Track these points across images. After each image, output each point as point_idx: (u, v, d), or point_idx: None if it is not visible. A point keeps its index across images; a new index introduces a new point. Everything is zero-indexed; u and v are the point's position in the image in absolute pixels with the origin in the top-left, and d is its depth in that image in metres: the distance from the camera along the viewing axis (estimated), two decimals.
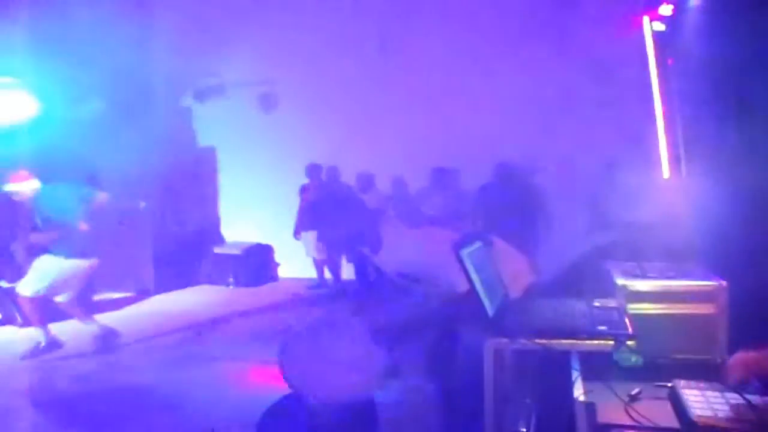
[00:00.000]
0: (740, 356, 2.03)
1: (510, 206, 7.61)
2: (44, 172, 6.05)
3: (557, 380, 2.26)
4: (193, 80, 9.70)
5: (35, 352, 5.73)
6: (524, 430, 2.39)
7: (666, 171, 4.28)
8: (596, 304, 2.45)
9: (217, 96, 9.63)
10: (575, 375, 2.16)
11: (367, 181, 8.54)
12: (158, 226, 9.02)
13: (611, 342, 2.06)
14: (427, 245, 2.68)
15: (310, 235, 8.83)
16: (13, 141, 7.08)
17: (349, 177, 8.88)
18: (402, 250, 2.92)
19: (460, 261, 2.00)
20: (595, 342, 2.07)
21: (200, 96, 9.73)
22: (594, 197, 7.28)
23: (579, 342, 2.08)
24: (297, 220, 8.99)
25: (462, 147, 8.11)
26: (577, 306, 2.41)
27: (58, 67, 7.27)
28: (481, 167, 8.03)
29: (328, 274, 9.03)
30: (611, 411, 1.91)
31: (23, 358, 5.68)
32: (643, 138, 5.17)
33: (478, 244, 2.34)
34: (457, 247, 2.04)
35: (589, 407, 1.95)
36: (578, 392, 2.04)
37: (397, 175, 8.68)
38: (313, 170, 9.00)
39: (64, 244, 5.61)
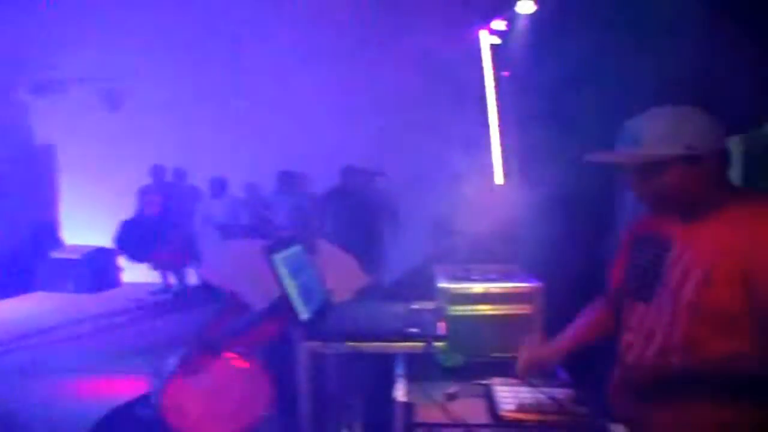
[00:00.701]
0: (523, 353, 2.14)
1: (356, 210, 7.70)
2: None
3: (384, 382, 2.27)
4: (30, 72, 9.09)
5: None
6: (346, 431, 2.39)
7: (499, 178, 4.46)
8: (414, 306, 2.50)
9: (57, 91, 9.07)
10: (397, 376, 2.18)
11: (219, 186, 8.33)
12: None
13: (421, 343, 2.10)
14: (242, 256, 2.61)
15: None
16: None
17: (197, 180, 8.66)
18: (217, 260, 2.85)
19: (272, 265, 1.97)
20: (405, 344, 2.11)
21: (38, 90, 9.12)
22: (437, 204, 7.48)
23: (388, 344, 2.11)
24: None
25: (313, 150, 8.12)
26: (395, 309, 2.45)
27: None
28: (331, 171, 8.09)
29: (172, 279, 8.73)
30: (429, 411, 1.95)
31: None
32: (486, 146, 5.38)
33: (296, 248, 2.32)
34: (270, 251, 2.00)
35: (407, 407, 1.97)
36: (398, 393, 2.06)
37: (251, 180, 8.58)
38: (157, 171, 8.70)
39: None
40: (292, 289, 2.04)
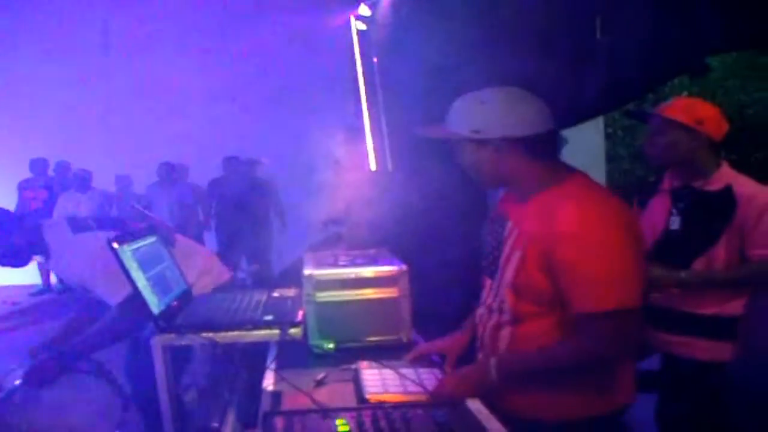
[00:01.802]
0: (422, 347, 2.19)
1: (240, 199, 7.61)
2: None
3: (257, 371, 2.24)
4: None
5: None
6: (216, 425, 2.33)
7: (372, 164, 4.49)
8: (275, 294, 2.48)
9: None
10: (268, 365, 2.16)
11: (82, 180, 7.98)
12: None
13: (276, 331, 2.08)
14: (93, 250, 2.50)
15: None
16: None
17: None
18: (65, 256, 2.71)
19: (117, 257, 1.89)
20: (260, 332, 2.09)
21: None
22: (322, 191, 7.44)
23: (244, 333, 2.09)
24: None
25: (191, 142, 7.96)
26: (257, 298, 2.42)
27: None
28: (212, 162, 7.96)
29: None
30: (296, 398, 1.93)
31: None
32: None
33: (150, 239, 2.25)
34: (116, 242, 1.92)
35: (275, 396, 1.95)
36: (266, 383, 2.03)
37: (123, 173, 8.29)
38: (38, 165, 8.23)
39: None
40: (141, 281, 1.97)
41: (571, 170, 1.91)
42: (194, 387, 2.99)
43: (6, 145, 8.53)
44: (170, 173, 8.12)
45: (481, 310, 2.05)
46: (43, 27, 8.30)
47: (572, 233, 1.71)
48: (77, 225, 2.65)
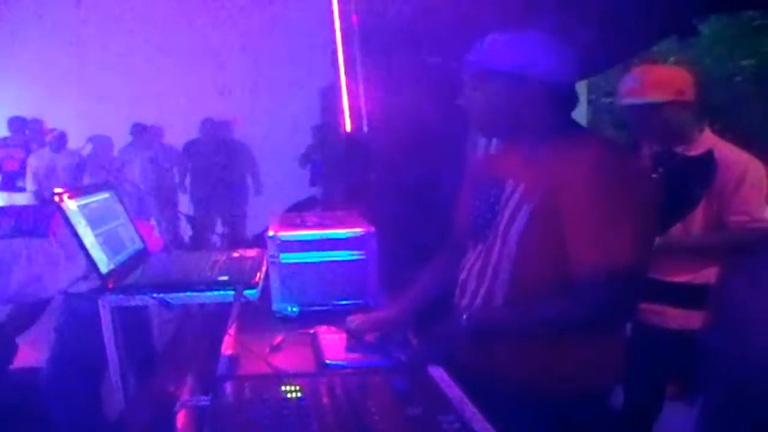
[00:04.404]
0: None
1: (215, 162, 7.52)
2: None
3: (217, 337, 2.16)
4: None
5: None
6: (172, 388, 2.26)
7: (347, 126, 4.38)
8: (234, 255, 2.40)
9: None
10: (227, 329, 2.08)
11: (58, 139, 7.79)
12: None
13: (230, 292, 2.00)
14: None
15: (23, 197, 7.81)
16: None
17: None
18: None
19: (61, 213, 1.79)
20: (214, 294, 2.01)
21: None
22: (306, 153, 7.39)
23: (196, 294, 2.00)
24: None
25: (167, 104, 7.83)
26: (215, 258, 2.34)
27: None
28: (186, 123, 7.84)
29: None
30: (253, 362, 1.86)
31: None
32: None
33: (103, 195, 2.15)
34: (56, 197, 1.81)
35: (233, 360, 1.88)
36: (223, 347, 1.96)
37: (96, 133, 8.12)
38: (15, 123, 7.99)
39: None
40: (89, 238, 1.87)
41: (583, 128, 1.84)
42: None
43: None
44: (143, 134, 7.96)
45: (463, 277, 1.95)
46: None
47: (590, 177, 1.59)
48: None
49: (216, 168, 7.63)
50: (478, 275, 1.87)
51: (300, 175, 7.56)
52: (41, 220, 2.26)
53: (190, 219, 7.03)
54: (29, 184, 7.70)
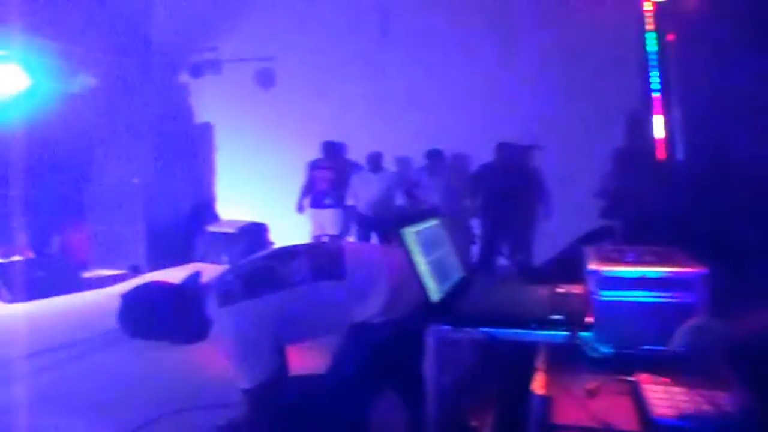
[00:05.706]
0: None
1: (509, 187, 7.46)
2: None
3: (522, 371, 2.08)
4: (189, 55, 9.55)
5: None
6: (476, 423, 2.21)
7: (661, 153, 4.08)
8: (559, 290, 2.27)
9: (213, 72, 9.47)
10: (536, 366, 1.99)
11: (375, 161, 8.30)
12: (152, 203, 8.87)
13: (565, 332, 1.88)
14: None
15: (327, 212, 8.47)
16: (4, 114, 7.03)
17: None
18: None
19: (401, 240, 1.81)
20: (545, 333, 1.90)
21: (196, 72, 9.57)
22: (603, 184, 7.08)
23: (527, 332, 1.91)
24: (302, 195, 8.67)
25: (462, 129, 8.04)
26: (538, 293, 2.24)
27: (49, 41, 7.17)
28: (478, 149, 7.94)
29: None
30: (568, 407, 1.75)
31: None
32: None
33: (432, 222, 2.17)
34: (397, 225, 1.84)
35: (545, 402, 1.78)
36: (536, 385, 1.87)
37: (402, 155, 8.58)
38: (329, 148, 8.68)
39: None
40: (422, 267, 1.88)
41: None
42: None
43: (282, 127, 9.17)
44: (437, 158, 8.18)
45: None
46: (322, 13, 8.78)
47: None
48: (227, 298, 2.46)
49: (510, 192, 7.56)
50: None
51: (586, 204, 7.18)
52: (335, 260, 2.28)
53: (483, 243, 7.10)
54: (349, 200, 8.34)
